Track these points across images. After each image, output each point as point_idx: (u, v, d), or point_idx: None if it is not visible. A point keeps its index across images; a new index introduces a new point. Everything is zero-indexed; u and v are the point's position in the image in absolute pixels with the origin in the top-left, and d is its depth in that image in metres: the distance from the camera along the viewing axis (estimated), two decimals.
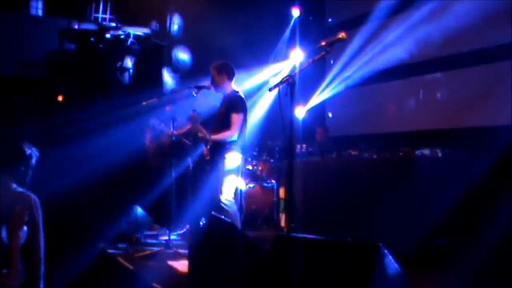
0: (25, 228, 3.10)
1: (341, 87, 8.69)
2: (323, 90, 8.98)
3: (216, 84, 5.66)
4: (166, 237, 5.90)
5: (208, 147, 5.54)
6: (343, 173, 5.92)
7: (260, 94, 8.38)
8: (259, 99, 8.46)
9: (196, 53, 8.62)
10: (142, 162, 7.94)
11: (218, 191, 5.37)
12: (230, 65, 5.73)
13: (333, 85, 8.81)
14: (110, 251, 5.65)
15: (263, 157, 8.22)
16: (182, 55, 9.13)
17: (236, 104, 5.52)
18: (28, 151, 3.45)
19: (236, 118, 5.42)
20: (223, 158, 5.42)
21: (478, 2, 6.93)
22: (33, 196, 3.31)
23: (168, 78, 9.04)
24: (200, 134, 5.40)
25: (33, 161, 3.46)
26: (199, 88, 5.87)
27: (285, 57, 9.36)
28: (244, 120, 5.55)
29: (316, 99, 9.10)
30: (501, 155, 5.40)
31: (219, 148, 5.44)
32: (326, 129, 8.82)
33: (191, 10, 9.14)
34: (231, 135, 5.41)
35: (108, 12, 8.95)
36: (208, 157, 5.56)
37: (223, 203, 5.32)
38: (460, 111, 6.92)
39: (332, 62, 8.77)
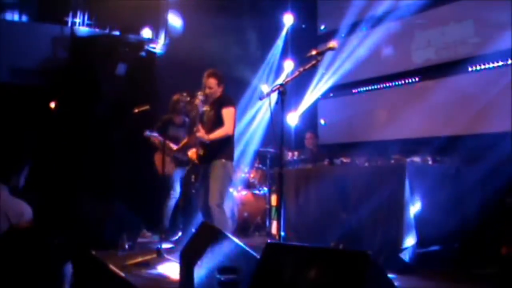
0: None
1: (330, 84, 8.77)
2: (312, 93, 9.07)
3: (213, 94, 5.60)
4: (158, 245, 5.89)
5: (201, 153, 5.53)
6: (334, 180, 5.94)
7: (252, 102, 8.41)
8: (251, 107, 8.50)
9: (187, 63, 8.62)
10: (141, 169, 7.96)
11: (211, 198, 5.38)
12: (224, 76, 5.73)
13: (321, 87, 8.89)
14: (101, 258, 5.62)
15: (255, 164, 8.24)
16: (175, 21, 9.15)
17: (225, 100, 5.51)
18: (21, 160, 3.47)
19: (227, 112, 5.40)
20: (220, 164, 5.42)
21: (475, 8, 7.01)
22: (25, 205, 3.32)
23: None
24: (199, 134, 5.35)
25: (27, 169, 3.48)
26: (192, 96, 5.88)
27: (278, 70, 9.45)
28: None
29: (306, 103, 9.16)
30: (492, 163, 5.44)
31: (217, 154, 5.43)
32: (316, 134, 8.85)
33: (183, 20, 9.17)
34: (227, 130, 5.40)
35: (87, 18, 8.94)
36: (197, 162, 5.56)
37: (215, 210, 5.33)
38: (453, 119, 6.95)
39: (324, 71, 8.81)
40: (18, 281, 2.74)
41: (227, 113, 5.41)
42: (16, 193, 3.41)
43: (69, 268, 3.01)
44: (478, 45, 6.97)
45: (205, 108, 5.70)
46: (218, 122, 5.43)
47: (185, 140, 6.88)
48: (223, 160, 5.43)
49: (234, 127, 5.53)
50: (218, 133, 5.37)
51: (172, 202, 7.20)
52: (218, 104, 5.50)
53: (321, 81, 8.90)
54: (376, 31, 8.25)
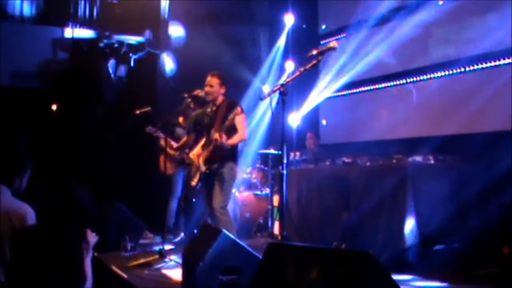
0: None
1: (333, 89, 8.74)
2: (316, 95, 9.02)
3: (213, 93, 5.62)
4: (160, 246, 5.88)
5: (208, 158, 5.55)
6: (336, 180, 5.94)
7: (253, 102, 8.39)
8: (253, 108, 8.48)
9: (188, 65, 8.62)
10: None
11: (216, 199, 5.41)
12: None
13: (325, 90, 8.85)
14: (103, 259, 5.63)
15: (257, 165, 8.24)
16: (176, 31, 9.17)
17: (237, 108, 5.53)
18: (23, 163, 3.48)
19: (240, 120, 5.45)
20: (228, 167, 5.49)
21: (474, 8, 6.98)
22: (28, 207, 3.32)
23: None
24: (223, 140, 5.31)
25: (28, 172, 3.49)
26: (193, 96, 5.88)
27: (280, 70, 9.44)
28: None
29: (309, 104, 9.13)
30: (495, 162, 5.42)
31: (225, 157, 5.49)
32: (317, 135, 8.84)
33: (184, 23, 9.18)
34: (243, 137, 5.52)
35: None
36: (205, 167, 5.57)
37: (220, 211, 5.36)
38: (455, 117, 6.93)
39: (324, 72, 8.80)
40: (41, 276, 2.77)
41: (241, 120, 5.47)
42: (18, 196, 3.43)
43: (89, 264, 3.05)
44: (477, 44, 6.94)
45: (208, 109, 5.72)
46: (229, 127, 5.45)
47: (184, 139, 6.89)
48: (231, 164, 5.52)
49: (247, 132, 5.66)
50: (236, 140, 5.47)
51: (174, 203, 7.21)
52: (230, 110, 5.52)
53: (325, 82, 8.85)
54: (377, 31, 8.23)
